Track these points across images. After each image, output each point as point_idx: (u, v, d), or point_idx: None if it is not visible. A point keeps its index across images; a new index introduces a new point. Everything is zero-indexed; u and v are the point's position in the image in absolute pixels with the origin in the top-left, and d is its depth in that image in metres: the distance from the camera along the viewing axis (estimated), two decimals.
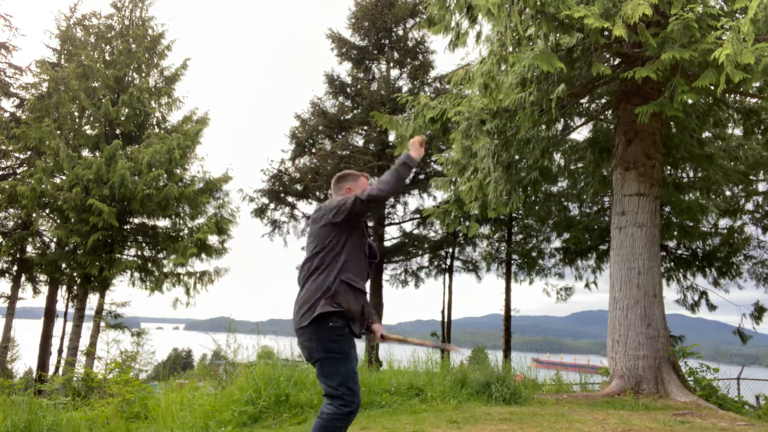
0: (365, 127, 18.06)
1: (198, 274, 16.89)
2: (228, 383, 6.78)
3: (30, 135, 15.18)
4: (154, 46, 17.70)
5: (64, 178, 15.35)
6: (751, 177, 12.69)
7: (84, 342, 15.37)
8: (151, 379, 13.68)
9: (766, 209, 14.29)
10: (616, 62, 8.50)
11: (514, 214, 17.16)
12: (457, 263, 19.56)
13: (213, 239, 16.38)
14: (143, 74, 17.41)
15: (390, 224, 19.10)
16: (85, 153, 16.45)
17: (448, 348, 4.23)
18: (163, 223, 16.87)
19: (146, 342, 16.23)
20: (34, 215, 15.92)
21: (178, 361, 43.37)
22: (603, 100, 10.66)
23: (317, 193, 18.04)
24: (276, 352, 7.73)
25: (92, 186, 14.65)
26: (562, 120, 10.02)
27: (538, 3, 6.19)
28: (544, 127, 9.03)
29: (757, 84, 7.13)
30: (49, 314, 18.59)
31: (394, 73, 19.53)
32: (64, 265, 15.97)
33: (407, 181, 3.13)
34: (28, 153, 16.85)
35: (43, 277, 18.62)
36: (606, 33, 6.91)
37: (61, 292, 18.68)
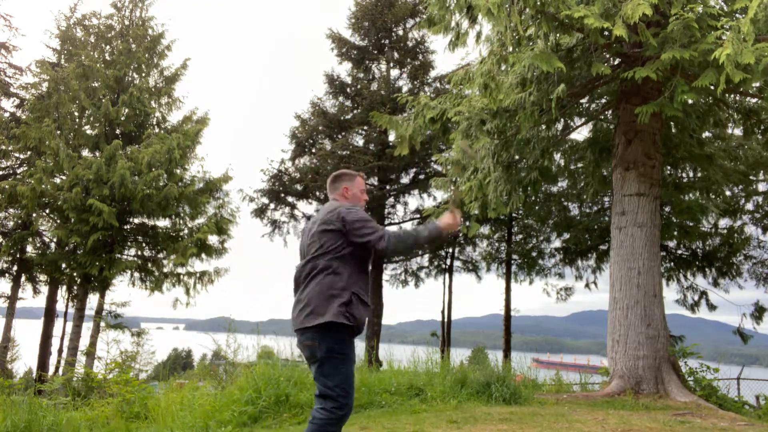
0: (365, 127, 18.06)
1: (198, 274, 16.89)
2: (228, 383, 6.78)
3: (30, 135, 15.18)
4: (154, 46, 17.70)
5: (64, 178, 15.35)
6: (751, 177, 12.69)
7: (84, 342, 15.38)
8: (151, 379, 13.68)
9: (766, 209, 14.29)
10: (616, 62, 8.50)
11: (514, 214, 17.16)
12: (457, 263, 19.58)
13: (213, 239, 16.39)
14: (143, 74, 17.41)
15: (390, 224, 19.10)
16: (85, 153, 16.45)
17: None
18: (163, 223, 16.89)
19: (146, 342, 16.25)
20: (34, 215, 15.93)
21: (178, 361, 43.37)
22: (603, 100, 10.66)
23: (317, 193, 18.04)
24: (276, 352, 7.73)
25: (92, 186, 14.65)
26: (562, 120, 10.02)
27: (538, 3, 6.19)
28: (544, 127, 9.03)
29: (757, 84, 7.13)
30: (49, 314, 18.59)
31: (394, 73, 19.54)
32: (64, 265, 15.98)
33: (426, 249, 3.18)
34: (28, 153, 16.85)
35: (43, 277, 18.63)
36: (606, 33, 6.90)
37: (61, 292, 18.69)
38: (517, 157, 9.14)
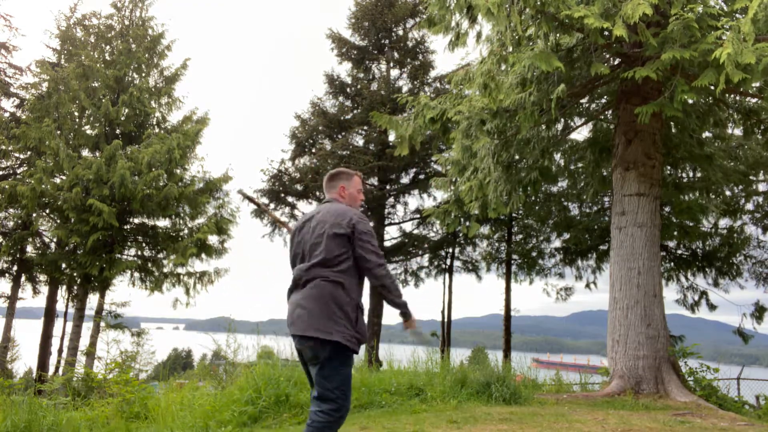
0: (365, 127, 18.06)
1: (198, 275, 16.89)
2: (228, 383, 6.78)
3: (30, 135, 15.18)
4: (154, 46, 17.70)
5: (64, 178, 15.35)
6: (751, 177, 12.70)
7: (84, 342, 15.38)
8: (151, 379, 13.69)
9: (766, 209, 14.29)
10: (616, 62, 8.50)
11: (514, 214, 17.17)
12: (457, 263, 19.57)
13: (213, 239, 16.38)
14: (143, 74, 17.41)
15: (390, 224, 19.11)
16: (85, 153, 16.45)
17: None
18: (163, 223, 16.88)
19: (146, 342, 16.25)
20: (34, 215, 15.92)
21: (178, 361, 43.39)
22: (603, 100, 10.66)
23: (317, 193, 18.04)
24: (276, 352, 7.73)
25: (92, 186, 14.65)
26: (562, 120, 10.02)
27: (538, 3, 6.19)
28: (544, 127, 9.03)
29: (757, 84, 7.13)
30: (49, 314, 18.59)
31: (394, 73, 19.54)
32: (64, 265, 15.98)
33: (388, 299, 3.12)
34: (28, 153, 16.85)
35: (43, 277, 18.63)
36: (606, 33, 6.90)
37: (61, 292, 18.69)
38: (517, 157, 9.14)
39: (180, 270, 16.60)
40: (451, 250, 19.31)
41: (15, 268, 18.04)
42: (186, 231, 16.72)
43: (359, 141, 18.64)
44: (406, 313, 3.11)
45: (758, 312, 14.42)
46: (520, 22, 6.40)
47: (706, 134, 10.98)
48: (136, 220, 16.64)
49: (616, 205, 8.12)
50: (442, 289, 19.62)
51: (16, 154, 17.43)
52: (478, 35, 8.28)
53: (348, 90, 19.13)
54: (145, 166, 14.92)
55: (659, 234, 8.05)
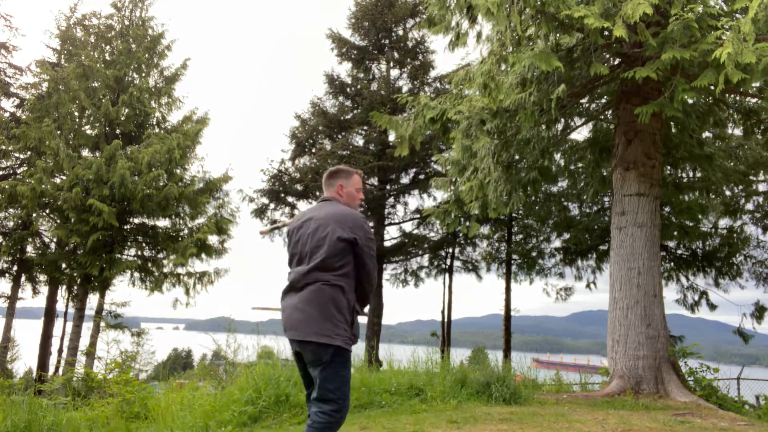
0: (365, 127, 18.06)
1: (198, 275, 16.90)
2: (228, 383, 6.78)
3: (30, 135, 15.18)
4: (154, 46, 17.71)
5: (64, 178, 15.36)
6: (751, 177, 12.70)
7: (84, 342, 15.39)
8: (151, 379, 13.69)
9: (766, 209, 14.29)
10: (616, 62, 8.50)
11: (514, 214, 17.17)
12: (457, 263, 19.58)
13: (213, 239, 16.39)
14: (143, 74, 17.41)
15: (390, 224, 19.11)
16: (85, 153, 16.45)
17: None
18: (163, 223, 16.89)
19: (146, 342, 16.25)
20: (34, 215, 15.93)
21: (178, 361, 43.39)
22: (603, 100, 10.66)
23: (317, 193, 18.04)
24: (276, 352, 7.74)
25: (92, 186, 14.65)
26: (562, 120, 10.02)
27: (538, 3, 6.19)
28: (544, 127, 9.03)
29: (757, 84, 7.13)
30: (49, 314, 18.59)
31: (394, 73, 19.55)
32: (64, 265, 15.98)
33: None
34: (28, 153, 16.85)
35: (43, 277, 18.63)
36: (606, 33, 6.90)
37: (61, 292, 18.69)
38: (517, 157, 9.14)
39: (180, 270, 16.62)
40: (451, 250, 19.31)
41: (15, 268, 18.04)
42: (186, 231, 16.73)
43: (359, 141, 18.65)
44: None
45: (758, 312, 14.43)
46: (520, 22, 6.40)
47: (706, 134, 10.98)
48: (136, 220, 16.64)
49: (616, 205, 8.12)
50: (442, 289, 19.64)
51: (16, 154, 17.43)
52: (478, 35, 8.29)
53: (348, 90, 19.13)
54: (145, 166, 14.92)
55: (659, 234, 8.05)
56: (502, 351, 17.25)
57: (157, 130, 17.21)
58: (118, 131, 16.65)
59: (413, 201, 22.29)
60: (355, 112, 18.66)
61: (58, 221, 15.73)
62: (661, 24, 6.79)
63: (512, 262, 18.06)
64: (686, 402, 6.75)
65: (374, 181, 18.47)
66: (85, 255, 14.95)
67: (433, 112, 8.43)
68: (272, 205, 18.72)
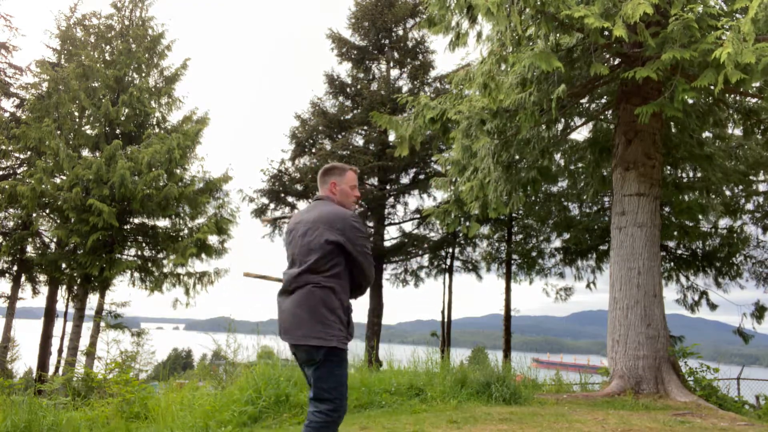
0: (365, 127, 18.06)
1: (198, 275, 16.90)
2: (228, 383, 6.78)
3: (30, 135, 15.18)
4: (154, 46, 17.71)
5: (64, 178, 15.36)
6: (751, 177, 12.70)
7: (84, 342, 15.38)
8: (151, 379, 13.69)
9: (766, 209, 14.29)
10: (616, 62, 8.50)
11: (514, 214, 17.17)
12: (457, 263, 19.57)
13: (213, 239, 16.39)
14: (143, 74, 17.42)
15: (390, 224, 19.11)
16: (85, 153, 16.45)
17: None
18: (163, 223, 16.89)
19: (146, 342, 16.26)
20: (34, 215, 15.93)
21: (178, 361, 43.41)
22: (603, 100, 10.66)
23: (317, 193, 18.02)
24: (276, 352, 7.74)
25: (92, 186, 14.65)
26: (562, 120, 10.02)
27: (538, 3, 6.19)
28: (544, 127, 9.03)
29: (757, 84, 7.13)
30: (49, 314, 18.59)
31: (394, 73, 19.54)
32: (64, 265, 15.98)
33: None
34: (28, 153, 16.85)
35: (43, 277, 18.62)
36: (606, 33, 6.90)
37: (61, 292, 18.69)
38: (517, 157, 9.14)
39: (180, 270, 16.62)
40: (451, 250, 19.31)
41: (15, 268, 18.04)
42: (186, 231, 16.73)
43: (359, 141, 18.65)
44: None
45: (758, 312, 14.43)
46: (520, 22, 6.40)
47: (706, 134, 10.99)
48: (136, 220, 16.64)
49: (616, 205, 8.12)
50: (442, 289, 19.63)
51: (16, 154, 17.43)
52: (478, 35, 8.29)
53: (348, 90, 19.13)
54: (145, 166, 14.93)
55: (659, 234, 8.05)
56: (502, 351, 17.24)
57: (157, 130, 17.22)
58: (118, 131, 16.65)
59: (413, 201, 22.33)
60: (355, 112, 18.66)
61: (58, 221, 15.73)
62: (661, 24, 6.79)
63: (512, 262, 18.06)
64: (686, 402, 6.75)
65: (374, 181, 18.47)
66: (85, 255, 14.95)
67: (433, 112, 8.42)
68: (272, 205, 18.72)
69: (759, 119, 9.06)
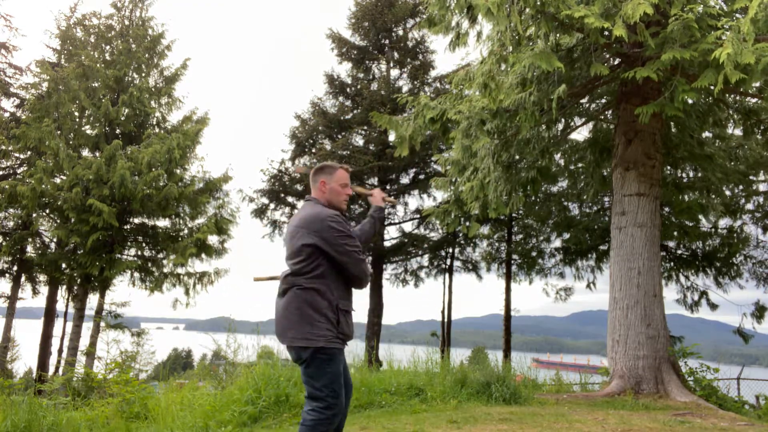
0: (365, 127, 18.06)
1: (198, 275, 16.90)
2: (228, 383, 6.78)
3: (30, 135, 15.18)
4: (154, 46, 17.71)
5: (64, 178, 15.36)
6: (751, 177, 12.69)
7: (84, 342, 15.38)
8: (151, 379, 13.68)
9: (766, 209, 14.29)
10: (616, 62, 8.50)
11: (514, 214, 17.16)
12: (457, 263, 19.57)
13: (213, 239, 16.39)
14: (143, 74, 17.42)
15: (390, 224, 19.11)
16: (85, 153, 16.45)
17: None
18: (163, 223, 16.89)
19: (146, 342, 16.24)
20: (34, 215, 15.92)
21: (178, 361, 43.41)
22: (603, 100, 10.66)
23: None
24: (276, 352, 7.74)
25: (92, 186, 14.65)
26: (562, 120, 10.02)
27: (538, 3, 6.19)
28: (544, 127, 9.03)
29: (757, 84, 7.13)
30: (49, 314, 18.59)
31: (394, 73, 19.54)
32: (64, 265, 15.98)
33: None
34: (28, 153, 16.85)
35: (43, 277, 18.62)
36: (606, 33, 6.90)
37: (61, 292, 18.69)
38: (517, 157, 9.14)
39: (180, 270, 16.62)
40: (451, 250, 19.31)
41: (15, 268, 18.03)
42: (186, 231, 16.73)
43: (359, 141, 18.65)
44: (381, 210, 3.38)
45: (758, 312, 14.42)
46: (520, 22, 6.40)
47: (706, 134, 10.99)
48: (136, 220, 16.64)
49: (616, 205, 8.12)
50: (442, 289, 19.63)
51: (16, 154, 17.42)
52: (478, 35, 8.29)
53: (348, 90, 19.13)
54: (145, 166, 14.93)
55: (659, 234, 8.05)
56: (502, 351, 17.24)
57: (157, 130, 17.21)
58: (118, 131, 16.65)
59: (413, 201, 22.28)
60: (355, 112, 18.65)
61: (58, 221, 15.73)
62: (661, 24, 6.79)
63: (512, 262, 18.06)
64: (686, 402, 6.75)
65: (374, 181, 18.46)
66: (85, 255, 14.95)
67: (433, 112, 8.42)
68: (272, 205, 18.73)
69: (759, 119, 9.06)
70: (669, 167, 11.65)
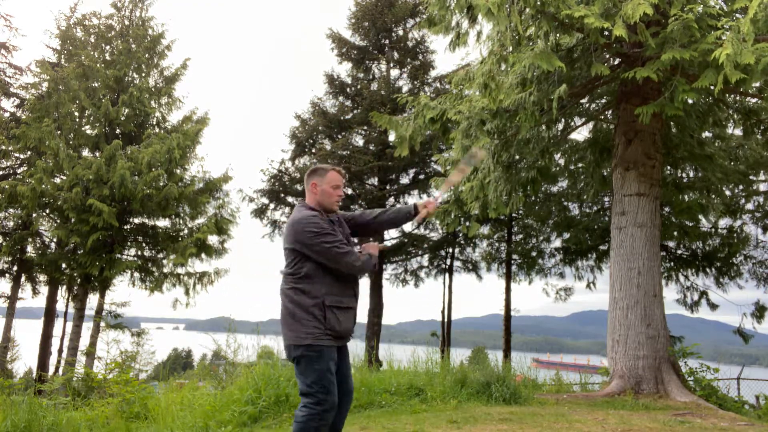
0: (365, 127, 18.07)
1: (198, 275, 16.90)
2: (228, 383, 6.78)
3: (30, 135, 15.18)
4: (154, 46, 17.71)
5: (64, 178, 15.36)
6: (751, 177, 12.69)
7: (84, 342, 15.39)
8: (151, 379, 13.67)
9: (766, 209, 14.28)
10: (616, 62, 8.50)
11: (514, 214, 17.17)
12: (457, 263, 19.58)
13: (213, 239, 16.40)
14: (143, 74, 17.42)
15: None
16: (85, 153, 16.45)
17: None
18: (163, 223, 16.90)
19: (146, 342, 16.25)
20: (34, 215, 15.93)
21: (178, 361, 43.41)
22: (603, 100, 10.66)
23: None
24: (276, 352, 7.73)
25: (92, 186, 14.66)
26: (562, 120, 10.02)
27: (538, 3, 6.19)
28: (544, 127, 9.03)
29: (757, 84, 7.13)
30: (49, 314, 18.59)
31: (394, 73, 19.55)
32: (64, 265, 15.98)
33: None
34: (28, 153, 16.85)
35: (43, 277, 18.62)
36: (606, 33, 6.90)
37: (61, 292, 18.68)
38: (517, 157, 9.14)
39: (180, 270, 16.63)
40: (451, 250, 19.31)
41: (15, 268, 18.03)
42: (186, 231, 16.74)
43: (359, 141, 18.65)
44: (413, 213, 3.33)
45: (758, 312, 14.42)
46: (520, 22, 6.40)
47: (706, 134, 10.98)
48: (136, 220, 16.64)
49: (616, 205, 8.11)
50: (442, 289, 19.64)
51: (16, 154, 17.43)
52: (479, 35, 8.28)
53: (348, 90, 19.13)
54: (145, 166, 14.93)
55: (659, 234, 8.05)
56: (502, 351, 17.24)
57: (157, 130, 17.22)
58: (118, 131, 16.65)
59: (413, 201, 22.30)
60: (355, 112, 18.66)
61: (58, 221, 15.73)
62: (661, 24, 6.79)
63: (512, 262, 18.06)
64: (686, 402, 6.75)
65: (374, 181, 18.47)
66: (85, 255, 14.95)
67: (433, 112, 8.42)
68: (272, 205, 18.73)
69: (759, 119, 9.06)
70: (669, 167, 11.65)
